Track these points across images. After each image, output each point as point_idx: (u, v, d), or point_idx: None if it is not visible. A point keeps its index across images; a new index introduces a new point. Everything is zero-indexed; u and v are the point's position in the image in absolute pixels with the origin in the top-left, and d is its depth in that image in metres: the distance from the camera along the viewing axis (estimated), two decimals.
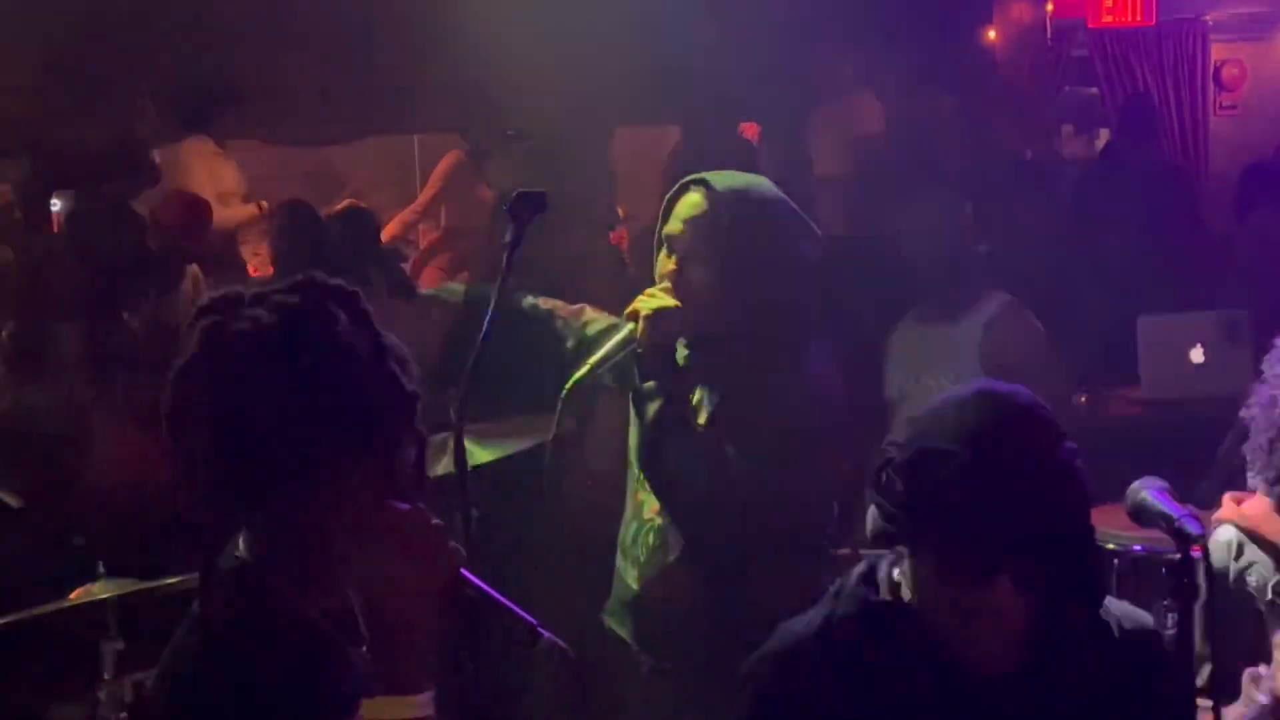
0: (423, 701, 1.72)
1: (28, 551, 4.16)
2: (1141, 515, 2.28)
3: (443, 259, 7.52)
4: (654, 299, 3.02)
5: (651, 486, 3.12)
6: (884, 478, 2.00)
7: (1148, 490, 2.28)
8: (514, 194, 2.96)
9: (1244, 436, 2.94)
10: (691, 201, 3.06)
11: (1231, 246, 6.66)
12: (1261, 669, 2.83)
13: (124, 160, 6.77)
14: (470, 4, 6.74)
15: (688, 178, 3.12)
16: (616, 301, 3.27)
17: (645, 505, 3.27)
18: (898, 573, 2.09)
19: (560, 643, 1.80)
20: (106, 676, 3.61)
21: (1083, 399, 5.49)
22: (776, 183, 3.22)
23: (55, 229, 6.51)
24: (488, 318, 2.79)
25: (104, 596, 3.62)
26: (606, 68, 7.36)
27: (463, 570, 1.78)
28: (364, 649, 1.86)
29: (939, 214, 4.56)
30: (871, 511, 2.04)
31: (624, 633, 3.28)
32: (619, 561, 3.35)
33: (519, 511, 4.67)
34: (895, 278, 4.69)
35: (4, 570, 4.07)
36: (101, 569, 3.79)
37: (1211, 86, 9.13)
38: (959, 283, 4.56)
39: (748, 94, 7.75)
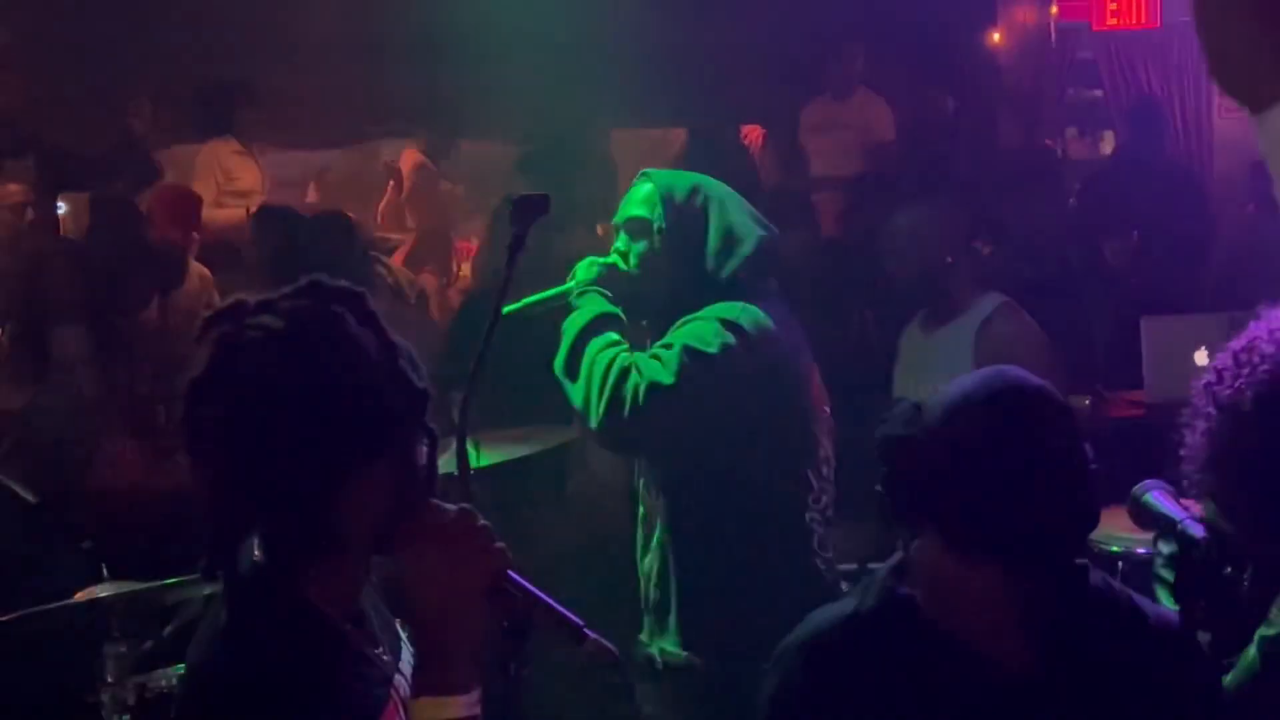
0: (469, 702, 1.74)
1: (42, 549, 4.17)
2: (1144, 517, 2.28)
3: (400, 257, 7.55)
4: (591, 259, 3.25)
5: (569, 391, 3.18)
6: (889, 452, 2.04)
7: (1151, 492, 2.28)
8: (516, 197, 2.99)
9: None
10: (637, 190, 3.29)
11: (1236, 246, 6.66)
12: None
13: (124, 159, 6.79)
14: (470, 9, 6.76)
15: (640, 173, 3.35)
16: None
17: (642, 507, 3.30)
18: None
19: (606, 643, 1.81)
20: (109, 679, 3.61)
21: (1086, 401, 5.48)
22: (778, 185, 3.32)
23: (58, 230, 6.53)
24: (490, 321, 2.80)
25: (106, 596, 3.62)
26: (609, 71, 7.38)
27: (509, 571, 1.79)
28: (380, 650, 1.86)
29: (911, 233, 4.56)
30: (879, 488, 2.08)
31: (657, 643, 3.30)
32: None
33: (522, 517, 4.68)
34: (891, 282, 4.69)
35: (21, 566, 4.08)
36: (105, 571, 3.79)
37: (1216, 89, 9.11)
38: (951, 288, 4.56)
39: (750, 96, 7.76)
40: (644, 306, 3.25)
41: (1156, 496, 2.22)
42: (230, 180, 7.27)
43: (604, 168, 7.25)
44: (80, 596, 3.66)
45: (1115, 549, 3.75)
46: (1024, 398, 2.04)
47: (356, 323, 1.82)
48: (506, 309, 3.05)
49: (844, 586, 3.25)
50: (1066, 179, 7.85)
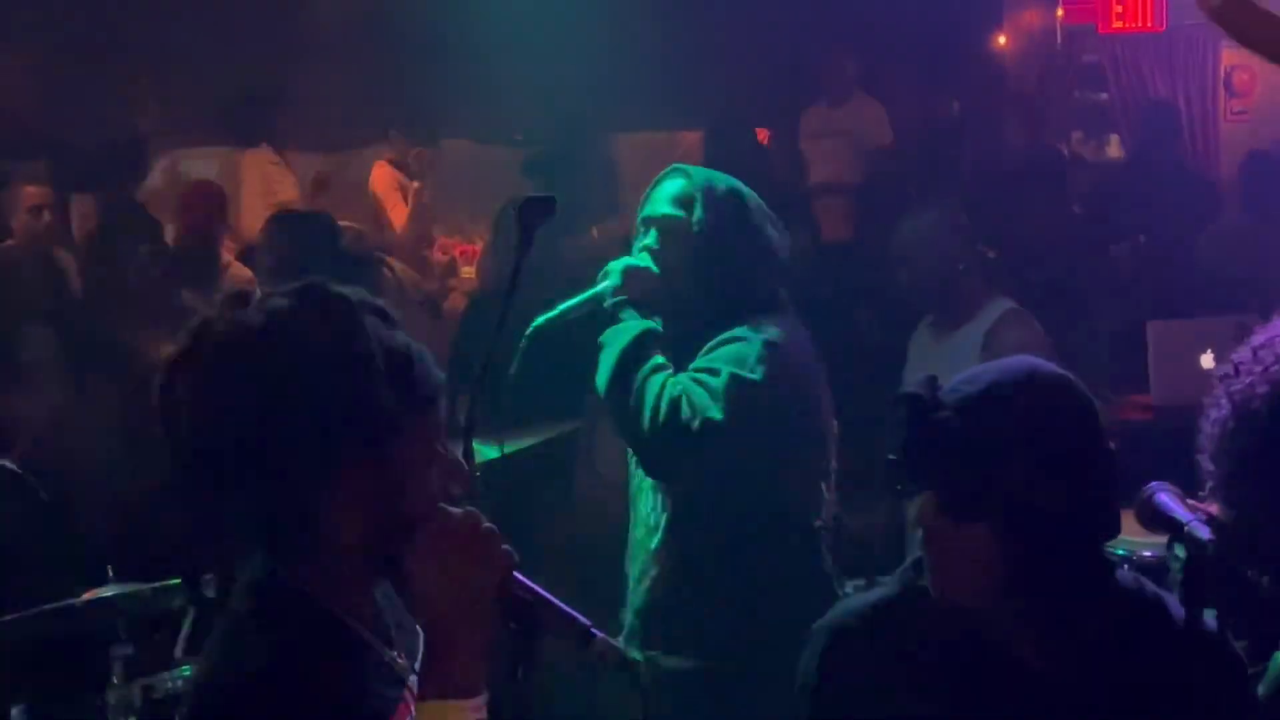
0: (475, 706, 1.72)
1: (52, 546, 4.18)
2: (1151, 520, 2.27)
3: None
4: (626, 261, 3.19)
5: (615, 415, 3.15)
6: (908, 410, 2.07)
7: (1157, 495, 2.27)
8: (522, 199, 2.99)
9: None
10: (669, 185, 3.23)
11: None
12: None
13: (128, 159, 6.81)
14: (478, 10, 6.77)
15: (669, 167, 3.30)
16: None
17: (640, 507, 3.30)
18: None
19: (614, 643, 1.80)
20: (115, 681, 3.61)
21: None
22: (778, 188, 3.32)
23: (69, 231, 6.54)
24: (498, 323, 2.79)
25: (111, 596, 3.62)
26: (612, 74, 7.38)
27: (515, 573, 1.78)
28: (396, 653, 1.86)
29: (923, 240, 4.54)
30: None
31: (632, 645, 3.29)
32: (629, 587, 3.37)
33: (526, 513, 4.68)
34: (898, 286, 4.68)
35: (33, 563, 4.09)
36: (111, 572, 3.79)
37: (1222, 92, 9.11)
38: (960, 293, 4.55)
39: (752, 100, 7.76)
40: (671, 309, 3.20)
41: (1163, 499, 2.22)
42: (271, 192, 7.29)
43: (609, 170, 7.27)
44: (86, 597, 3.66)
45: (1121, 551, 3.75)
46: (1054, 379, 2.10)
47: (337, 328, 1.79)
48: (537, 322, 3.05)
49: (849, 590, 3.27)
50: (1072, 183, 7.85)
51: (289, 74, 7.48)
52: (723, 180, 3.25)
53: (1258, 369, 2.21)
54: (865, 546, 4.02)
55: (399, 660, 1.88)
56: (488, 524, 1.78)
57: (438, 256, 7.84)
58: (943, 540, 2.07)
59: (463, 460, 1.87)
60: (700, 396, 3.00)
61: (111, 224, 6.19)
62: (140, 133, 7.10)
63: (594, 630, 1.78)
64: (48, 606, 3.57)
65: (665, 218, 3.20)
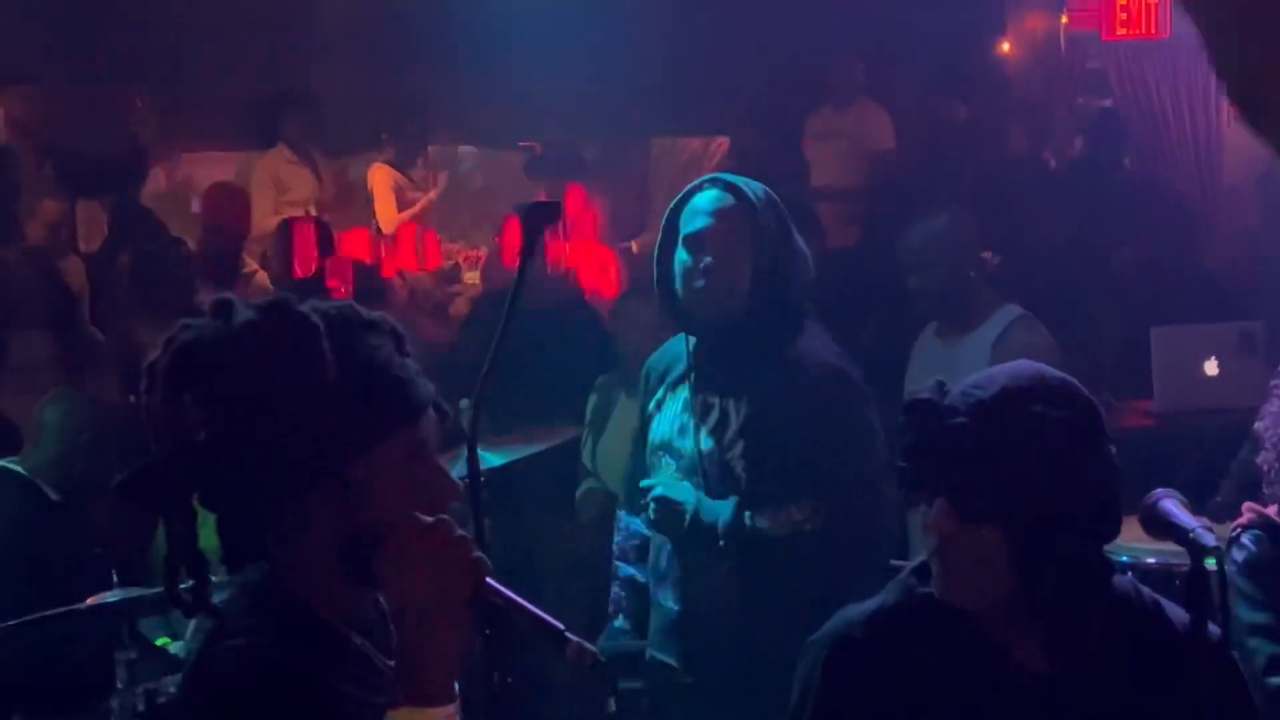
0: (447, 713, 1.73)
1: (62, 548, 4.18)
2: (1155, 527, 2.27)
3: None
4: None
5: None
6: (918, 416, 2.09)
7: (1161, 502, 2.27)
8: (528, 204, 2.99)
9: (1258, 449, 2.94)
10: (714, 198, 3.15)
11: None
12: None
13: (130, 165, 6.83)
14: (504, 16, 6.78)
15: (701, 178, 3.24)
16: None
17: None
18: None
19: (588, 645, 1.80)
20: (119, 685, 3.61)
21: None
22: (784, 196, 3.31)
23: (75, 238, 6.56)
24: (501, 329, 2.79)
25: (116, 600, 3.63)
26: (645, 79, 7.38)
27: (489, 580, 1.78)
28: (390, 660, 1.86)
29: (933, 246, 4.53)
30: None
31: (668, 657, 3.27)
32: (652, 588, 3.35)
33: (528, 521, 4.68)
34: (902, 292, 4.67)
35: (43, 565, 4.09)
36: (115, 577, 3.80)
37: (1225, 99, 9.09)
38: (969, 299, 4.55)
39: (756, 105, 7.76)
40: (712, 325, 3.20)
41: (1168, 506, 2.22)
42: (284, 191, 7.30)
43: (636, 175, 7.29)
44: (90, 602, 3.67)
45: (1124, 558, 3.75)
46: (1062, 383, 2.11)
47: (304, 343, 1.78)
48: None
49: None
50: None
51: (299, 77, 7.49)
52: (759, 186, 3.21)
53: None
54: None
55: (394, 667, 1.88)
56: (460, 532, 1.78)
57: (441, 261, 7.84)
58: (954, 544, 2.07)
59: (449, 472, 1.87)
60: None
61: (121, 228, 6.22)
62: (141, 139, 7.11)
63: (568, 634, 1.79)
64: (53, 611, 3.58)
65: (706, 230, 3.15)
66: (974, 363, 4.36)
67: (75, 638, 3.80)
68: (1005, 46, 8.84)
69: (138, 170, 7.02)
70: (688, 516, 3.13)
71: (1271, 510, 2.90)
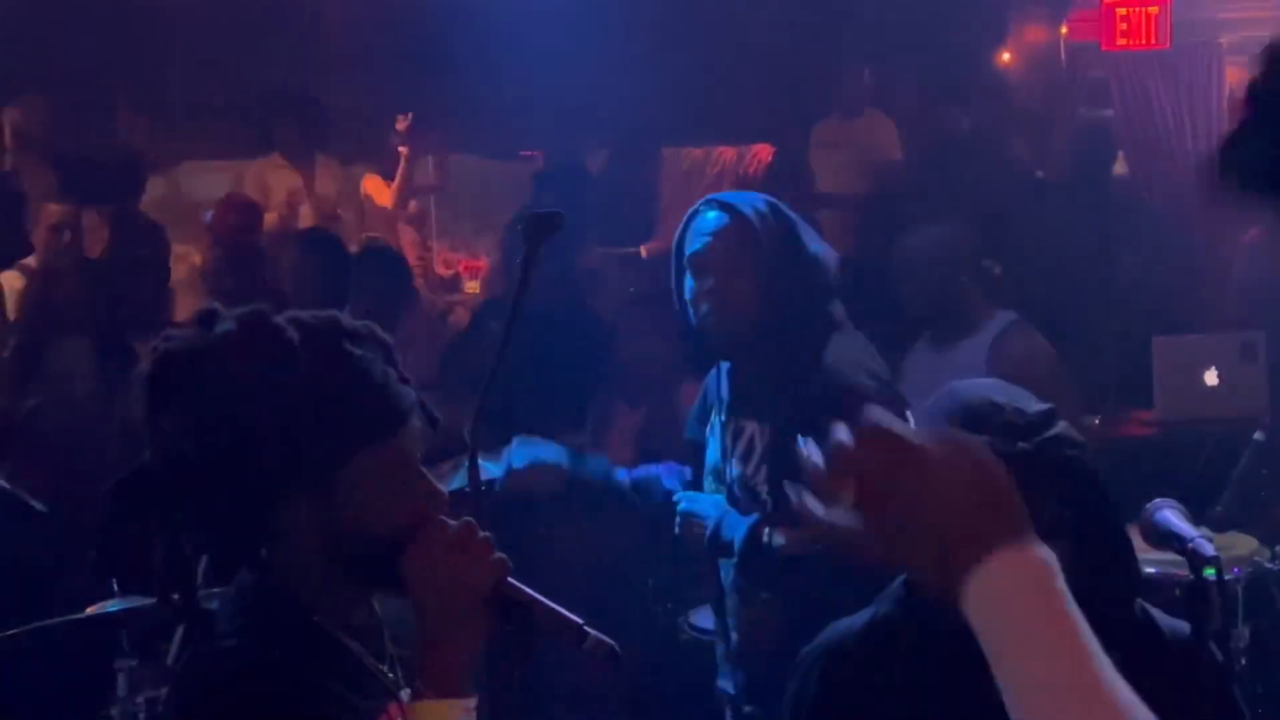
0: (467, 706, 1.77)
1: (53, 561, 4.18)
2: (1155, 537, 2.28)
3: None
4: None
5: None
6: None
7: (1161, 512, 2.28)
8: (529, 214, 2.98)
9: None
10: (712, 219, 3.15)
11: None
12: None
13: (128, 173, 6.84)
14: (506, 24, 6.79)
15: (700, 201, 3.22)
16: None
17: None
18: None
19: (606, 639, 1.83)
20: (120, 694, 3.61)
21: (1097, 420, 5.48)
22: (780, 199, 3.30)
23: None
24: (502, 339, 2.79)
25: (115, 610, 3.62)
26: (655, 88, 7.39)
27: (508, 579, 1.82)
28: (386, 666, 1.89)
29: (926, 255, 4.54)
30: None
31: (729, 687, 3.28)
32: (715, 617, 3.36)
33: (531, 525, 4.67)
34: (892, 301, 4.68)
35: (31, 576, 4.09)
36: (115, 586, 3.79)
37: (1226, 109, 9.11)
38: (962, 306, 4.56)
39: (761, 115, 7.77)
40: (727, 348, 3.19)
41: (1167, 516, 2.23)
42: (270, 198, 7.31)
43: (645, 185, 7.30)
44: (90, 611, 3.66)
45: None
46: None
47: (278, 356, 1.80)
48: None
49: None
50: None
51: (299, 86, 7.50)
52: (759, 199, 3.20)
53: None
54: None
55: (388, 674, 1.90)
56: (483, 534, 1.82)
57: (441, 270, 7.86)
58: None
59: (436, 482, 1.89)
60: None
61: (122, 236, 6.22)
62: (136, 148, 7.13)
63: (586, 628, 1.82)
64: (52, 620, 3.58)
65: (708, 251, 3.14)
66: (969, 370, 4.37)
67: (75, 647, 3.79)
68: (1005, 56, 8.85)
69: (135, 178, 7.03)
70: (708, 532, 3.13)
71: None
